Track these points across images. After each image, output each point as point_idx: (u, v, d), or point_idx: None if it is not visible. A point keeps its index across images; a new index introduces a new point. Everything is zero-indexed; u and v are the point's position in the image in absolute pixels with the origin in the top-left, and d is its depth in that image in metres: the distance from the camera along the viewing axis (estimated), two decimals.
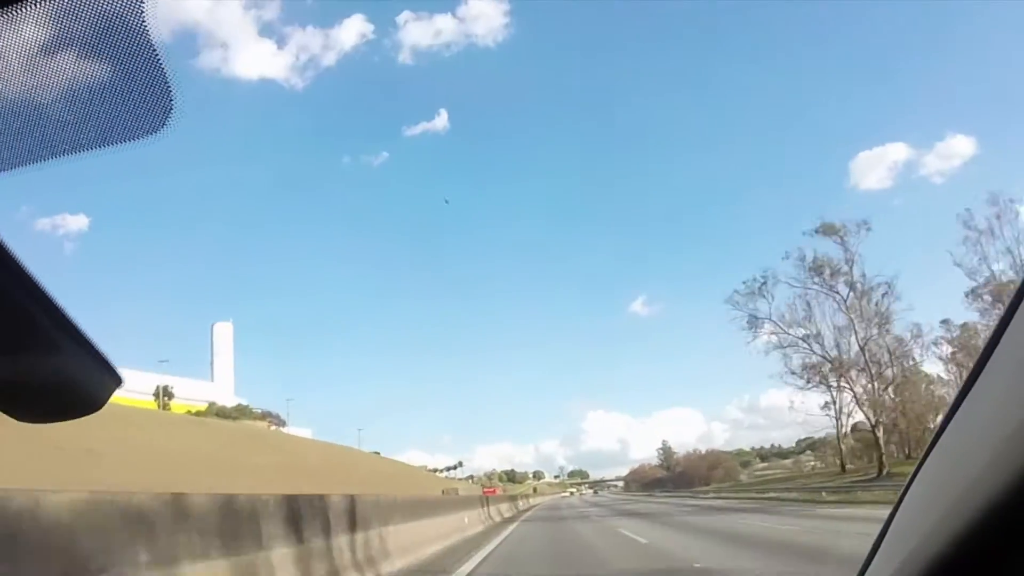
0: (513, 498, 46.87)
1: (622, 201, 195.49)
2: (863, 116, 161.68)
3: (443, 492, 47.42)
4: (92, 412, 0.79)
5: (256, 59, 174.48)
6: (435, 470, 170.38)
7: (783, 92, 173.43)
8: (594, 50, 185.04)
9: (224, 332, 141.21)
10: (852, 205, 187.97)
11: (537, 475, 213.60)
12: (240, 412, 65.57)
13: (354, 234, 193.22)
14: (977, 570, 0.94)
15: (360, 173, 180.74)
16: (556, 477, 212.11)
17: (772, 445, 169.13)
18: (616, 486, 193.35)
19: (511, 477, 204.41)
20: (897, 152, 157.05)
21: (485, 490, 61.15)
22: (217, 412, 61.31)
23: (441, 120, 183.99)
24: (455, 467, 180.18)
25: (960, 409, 0.99)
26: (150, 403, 61.66)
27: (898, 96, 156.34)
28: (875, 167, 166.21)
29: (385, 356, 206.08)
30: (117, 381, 0.80)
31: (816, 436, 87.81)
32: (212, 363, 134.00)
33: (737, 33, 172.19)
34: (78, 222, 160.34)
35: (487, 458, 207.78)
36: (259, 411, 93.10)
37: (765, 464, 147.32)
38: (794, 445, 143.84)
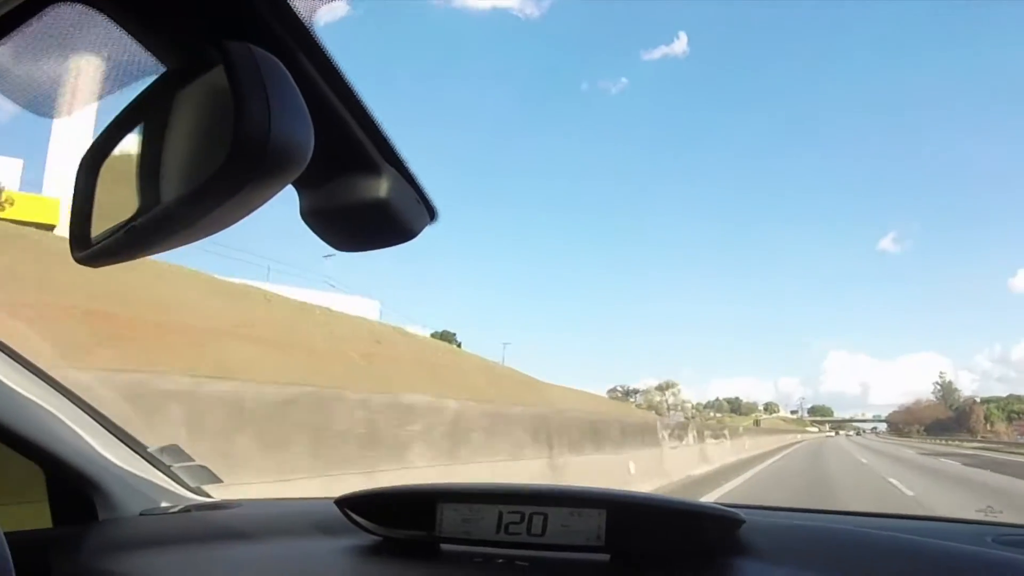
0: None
1: (874, 133, 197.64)
2: None
3: None
4: (406, 241, 0.77)
5: None
6: (627, 392, 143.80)
7: None
8: None
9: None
10: None
11: (770, 408, 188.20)
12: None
13: (589, 164, 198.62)
14: None
15: (598, 99, 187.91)
16: (793, 412, 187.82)
17: None
18: (876, 429, 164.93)
19: (735, 407, 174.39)
20: None
21: None
22: None
23: (680, 44, 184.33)
24: (661, 389, 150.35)
25: None
26: None
27: None
28: None
29: (620, 289, 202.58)
30: (432, 213, 0.78)
31: None
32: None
33: None
34: None
35: (723, 389, 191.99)
36: None
37: None
38: None
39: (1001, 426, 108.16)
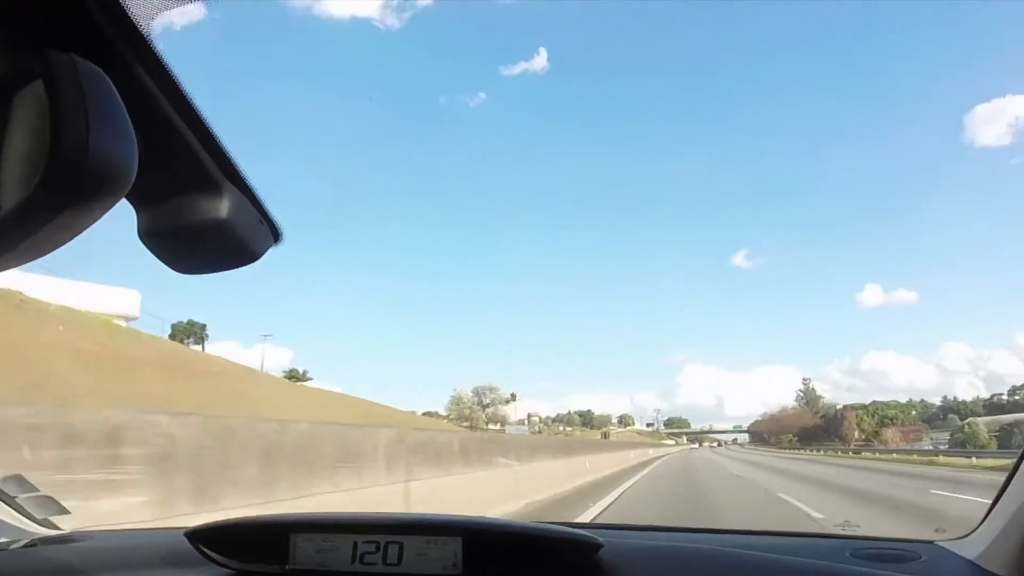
0: None
1: (727, 151, 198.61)
2: (982, 62, 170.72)
3: None
4: (247, 264, 0.77)
5: None
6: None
7: (893, 29, 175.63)
8: None
9: None
10: (967, 161, 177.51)
11: (624, 420, 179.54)
12: None
13: (446, 177, 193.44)
14: None
15: (455, 113, 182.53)
16: (649, 425, 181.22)
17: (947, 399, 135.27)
18: (737, 440, 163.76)
19: (586, 420, 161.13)
20: (1019, 105, 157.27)
21: None
22: None
23: (540, 60, 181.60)
24: (507, 402, 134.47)
25: None
26: None
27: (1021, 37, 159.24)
28: (994, 121, 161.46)
29: (478, 300, 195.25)
30: (276, 235, 0.77)
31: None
32: None
33: None
34: None
35: (581, 403, 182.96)
36: None
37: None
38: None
39: (888, 432, 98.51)
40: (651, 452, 48.58)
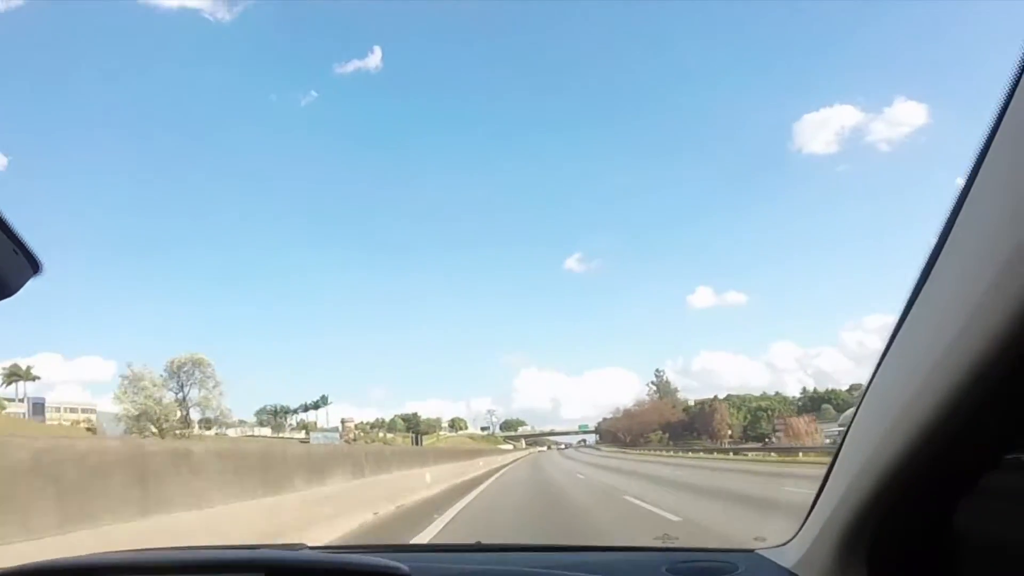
0: None
1: (559, 155, 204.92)
2: (810, 73, 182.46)
3: None
4: (5, 297, 0.72)
5: None
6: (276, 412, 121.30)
7: (723, 40, 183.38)
8: None
9: None
10: (795, 168, 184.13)
11: (456, 424, 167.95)
12: None
13: (275, 176, 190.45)
14: (906, 504, 1.05)
15: (286, 111, 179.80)
16: (484, 429, 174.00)
17: (807, 390, 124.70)
18: (585, 441, 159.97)
19: (412, 425, 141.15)
20: (844, 116, 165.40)
21: None
22: None
23: (375, 58, 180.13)
24: (315, 405, 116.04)
25: (889, 353, 1.03)
26: None
27: (848, 52, 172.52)
28: (821, 130, 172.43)
29: (311, 308, 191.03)
30: (35, 267, 0.72)
31: None
32: None
33: None
34: None
35: (416, 410, 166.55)
36: None
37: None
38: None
39: (800, 423, 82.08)
40: (446, 472, 21.03)
